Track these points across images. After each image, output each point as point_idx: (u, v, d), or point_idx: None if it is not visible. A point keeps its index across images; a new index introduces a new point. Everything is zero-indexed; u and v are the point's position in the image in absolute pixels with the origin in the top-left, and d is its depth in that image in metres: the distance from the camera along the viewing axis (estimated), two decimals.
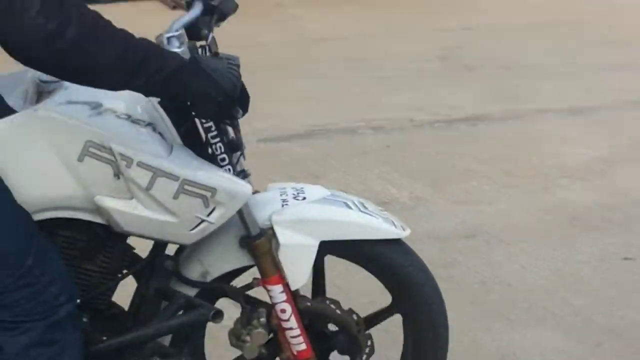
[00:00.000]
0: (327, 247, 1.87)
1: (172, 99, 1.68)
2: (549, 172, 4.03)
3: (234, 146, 1.82)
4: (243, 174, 1.81)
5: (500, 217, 3.57)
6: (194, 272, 1.89)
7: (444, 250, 3.30)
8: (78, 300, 1.71)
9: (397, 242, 1.93)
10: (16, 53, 1.42)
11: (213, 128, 1.75)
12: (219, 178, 1.71)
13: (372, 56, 5.80)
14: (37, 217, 1.67)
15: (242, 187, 1.73)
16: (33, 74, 1.74)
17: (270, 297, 1.87)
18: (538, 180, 3.96)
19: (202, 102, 1.61)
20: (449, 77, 5.48)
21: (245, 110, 1.66)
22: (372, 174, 4.00)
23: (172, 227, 1.70)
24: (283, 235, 1.82)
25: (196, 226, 1.71)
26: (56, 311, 1.64)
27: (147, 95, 1.65)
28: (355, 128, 4.60)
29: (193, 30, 1.76)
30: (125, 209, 1.66)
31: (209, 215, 1.70)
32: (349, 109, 4.85)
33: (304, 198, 1.90)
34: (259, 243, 1.81)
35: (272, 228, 1.82)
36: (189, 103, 1.66)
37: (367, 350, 1.98)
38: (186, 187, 1.67)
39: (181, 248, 1.90)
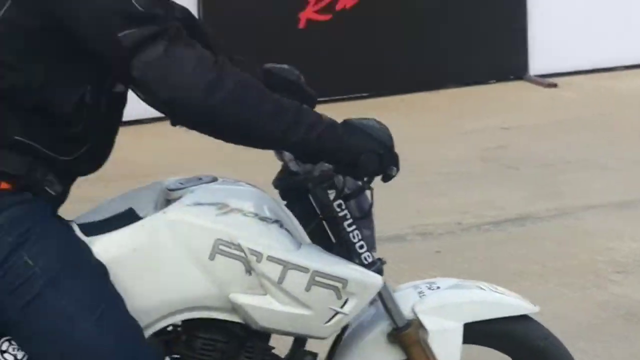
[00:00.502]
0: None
1: (330, 158, 1.69)
2: (601, 268, 4.03)
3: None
4: (380, 262, 1.87)
5: (556, 317, 3.55)
6: None
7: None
8: None
9: (527, 318, 2.00)
10: (177, 110, 1.53)
11: (348, 216, 1.82)
12: (349, 269, 1.76)
13: (412, 160, 5.85)
14: (174, 319, 1.74)
15: (373, 278, 1.79)
16: (161, 185, 1.84)
17: None
18: (590, 277, 3.95)
19: (363, 156, 1.64)
20: (492, 178, 5.53)
21: (398, 168, 1.72)
22: None
23: (306, 320, 1.74)
24: (429, 322, 1.89)
25: (330, 318, 1.74)
26: None
27: (302, 155, 1.71)
28: (404, 235, 4.65)
29: None
30: (260, 305, 1.70)
31: (342, 306, 1.74)
32: (396, 216, 4.89)
33: (438, 287, 1.98)
34: (407, 333, 1.87)
35: (417, 318, 1.89)
36: (345, 164, 1.69)
37: None
38: (317, 278, 1.70)
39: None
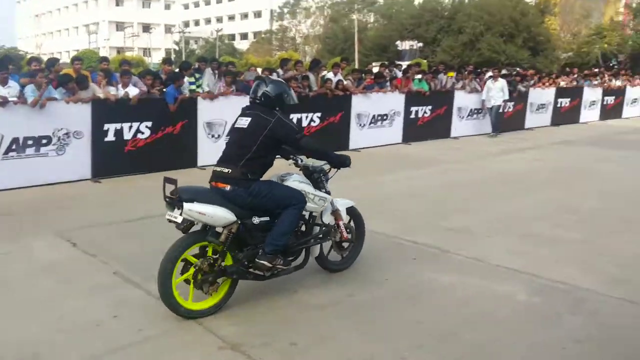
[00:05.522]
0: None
1: (333, 162, 6.07)
2: None
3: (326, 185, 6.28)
4: (328, 192, 6.19)
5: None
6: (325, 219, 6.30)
7: None
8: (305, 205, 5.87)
9: (354, 207, 6.60)
10: (308, 154, 5.93)
11: (323, 178, 6.22)
12: (323, 194, 6.11)
13: None
14: None
15: (328, 197, 6.16)
16: (288, 173, 6.12)
17: (337, 223, 6.35)
18: None
19: (343, 162, 6.01)
20: None
21: (349, 165, 6.07)
22: None
23: (317, 207, 6.05)
24: (339, 207, 6.37)
25: (321, 207, 6.10)
26: (301, 204, 5.77)
27: (328, 161, 6.12)
28: None
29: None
30: (309, 204, 5.93)
31: (324, 204, 6.11)
32: None
33: (338, 200, 6.40)
34: (335, 210, 6.32)
35: (338, 207, 6.35)
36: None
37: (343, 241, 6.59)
38: (316, 197, 6.02)
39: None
